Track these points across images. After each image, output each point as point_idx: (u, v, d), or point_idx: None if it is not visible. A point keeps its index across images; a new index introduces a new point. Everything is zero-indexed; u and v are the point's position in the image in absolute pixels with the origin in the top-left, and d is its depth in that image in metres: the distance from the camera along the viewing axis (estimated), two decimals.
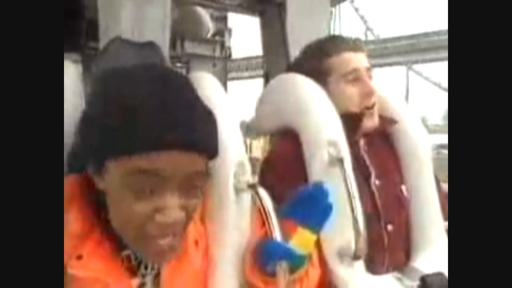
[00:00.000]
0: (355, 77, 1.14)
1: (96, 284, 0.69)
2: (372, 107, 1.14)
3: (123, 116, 0.63)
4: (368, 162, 1.15)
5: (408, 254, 1.16)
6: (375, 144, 1.18)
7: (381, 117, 1.19)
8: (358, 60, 1.16)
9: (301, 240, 0.78)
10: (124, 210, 0.66)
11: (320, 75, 1.14)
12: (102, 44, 1.04)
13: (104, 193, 0.70)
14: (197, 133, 0.66)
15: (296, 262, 0.78)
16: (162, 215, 0.65)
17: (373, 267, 1.05)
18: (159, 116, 0.63)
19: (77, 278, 0.68)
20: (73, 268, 0.68)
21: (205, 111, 0.71)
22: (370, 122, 1.14)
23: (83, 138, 0.70)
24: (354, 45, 1.18)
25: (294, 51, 1.42)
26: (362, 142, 1.16)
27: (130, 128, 0.62)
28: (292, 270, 0.78)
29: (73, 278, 0.68)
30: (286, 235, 0.78)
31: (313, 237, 0.79)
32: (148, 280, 0.74)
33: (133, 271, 0.73)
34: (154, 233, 0.66)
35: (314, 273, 0.86)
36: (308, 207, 0.78)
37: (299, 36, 1.41)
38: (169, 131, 0.63)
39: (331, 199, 0.79)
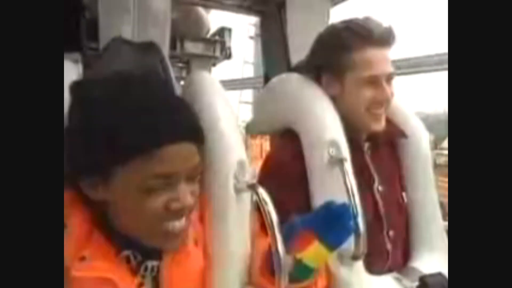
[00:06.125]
0: (373, 81, 1.07)
1: (102, 283, 0.70)
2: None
3: (128, 121, 0.67)
4: (372, 168, 1.13)
5: (406, 255, 1.17)
6: (379, 151, 1.17)
7: (392, 126, 1.17)
8: (380, 62, 1.06)
9: (314, 254, 0.77)
10: (139, 209, 0.69)
11: (339, 70, 1.08)
12: (102, 44, 1.04)
13: (104, 202, 0.72)
14: (195, 125, 0.76)
15: (303, 272, 0.78)
16: (177, 203, 0.70)
17: (374, 272, 1.05)
18: (159, 116, 0.69)
19: (81, 279, 0.69)
20: (77, 270, 0.69)
21: (188, 106, 0.78)
22: (377, 126, 1.10)
23: (79, 152, 0.70)
24: (379, 38, 1.06)
25: (294, 51, 1.42)
26: (366, 147, 1.15)
27: (138, 127, 0.67)
28: (299, 280, 0.79)
29: (77, 279, 0.69)
30: (301, 246, 0.77)
31: (327, 254, 0.78)
32: (147, 280, 0.76)
33: (133, 271, 0.75)
34: (169, 219, 0.71)
35: (321, 282, 0.87)
36: (331, 224, 0.77)
37: (299, 36, 1.41)
38: (175, 125, 0.70)
39: (354, 219, 0.79)
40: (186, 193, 0.71)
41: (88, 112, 0.70)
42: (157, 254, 0.76)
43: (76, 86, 0.75)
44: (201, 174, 0.84)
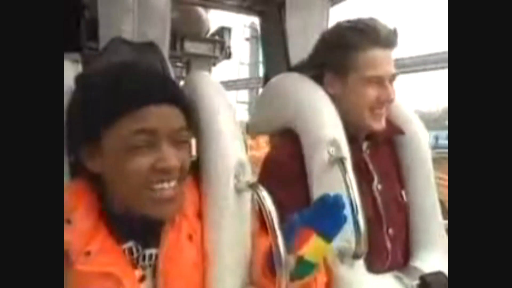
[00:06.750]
0: (377, 81, 1.08)
1: (106, 277, 0.73)
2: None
3: (113, 85, 0.75)
4: (371, 166, 1.13)
5: (407, 255, 1.17)
6: (378, 149, 1.17)
7: (390, 124, 1.16)
8: (384, 62, 1.08)
9: (314, 248, 0.78)
10: (127, 169, 0.73)
11: (343, 69, 1.09)
12: (102, 44, 1.04)
13: (101, 176, 0.77)
14: (175, 90, 0.81)
15: (305, 269, 0.79)
16: (162, 162, 0.73)
17: (374, 270, 1.05)
18: (143, 80, 0.77)
19: (85, 273, 0.72)
20: (82, 265, 0.72)
21: (174, 81, 0.88)
22: (378, 125, 1.11)
23: (76, 123, 0.76)
24: (384, 38, 1.07)
25: (294, 51, 1.42)
26: (365, 146, 1.15)
27: (122, 92, 0.74)
28: (300, 276, 0.79)
29: (82, 274, 0.72)
30: (301, 242, 0.78)
31: (326, 246, 0.79)
32: (148, 272, 0.78)
33: (134, 264, 0.77)
34: (157, 180, 0.74)
35: (321, 279, 0.88)
36: (326, 216, 0.78)
37: (299, 36, 1.41)
38: (154, 89, 0.76)
39: (346, 209, 0.79)
40: (171, 155, 0.74)
41: (86, 89, 0.78)
42: (154, 240, 0.79)
43: (79, 77, 0.83)
44: (201, 172, 0.85)
